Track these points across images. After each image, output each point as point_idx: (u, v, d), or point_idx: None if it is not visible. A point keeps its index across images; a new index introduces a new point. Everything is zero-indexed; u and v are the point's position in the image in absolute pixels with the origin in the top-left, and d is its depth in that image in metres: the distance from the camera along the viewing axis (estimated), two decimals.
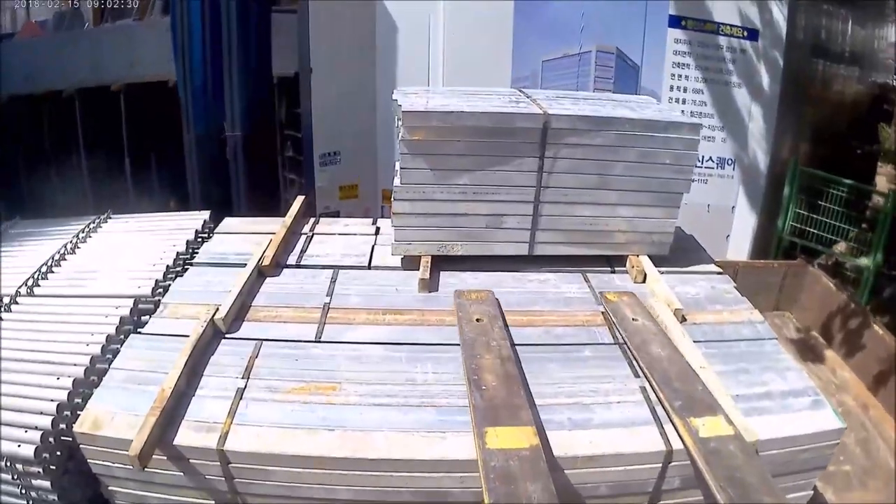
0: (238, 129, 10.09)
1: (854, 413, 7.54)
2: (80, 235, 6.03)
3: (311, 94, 9.48)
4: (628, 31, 9.42)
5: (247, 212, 9.93)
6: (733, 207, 10.07)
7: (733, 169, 9.87)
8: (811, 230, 10.29)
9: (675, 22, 9.37)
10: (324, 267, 5.33)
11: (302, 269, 5.31)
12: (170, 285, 5.08)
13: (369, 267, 5.38)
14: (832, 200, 10.09)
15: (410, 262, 5.31)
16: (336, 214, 9.70)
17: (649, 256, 5.37)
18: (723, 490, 3.12)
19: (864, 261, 9.92)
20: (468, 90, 5.73)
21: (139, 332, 4.42)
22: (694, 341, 4.29)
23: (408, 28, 9.39)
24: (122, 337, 4.46)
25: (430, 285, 5.03)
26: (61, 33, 13.19)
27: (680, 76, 9.57)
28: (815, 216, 10.22)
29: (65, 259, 5.69)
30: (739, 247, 10.22)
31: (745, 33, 9.47)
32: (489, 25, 9.36)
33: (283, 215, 6.02)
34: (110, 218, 6.47)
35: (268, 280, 5.11)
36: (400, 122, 4.97)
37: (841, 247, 10.42)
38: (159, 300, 4.85)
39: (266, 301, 4.82)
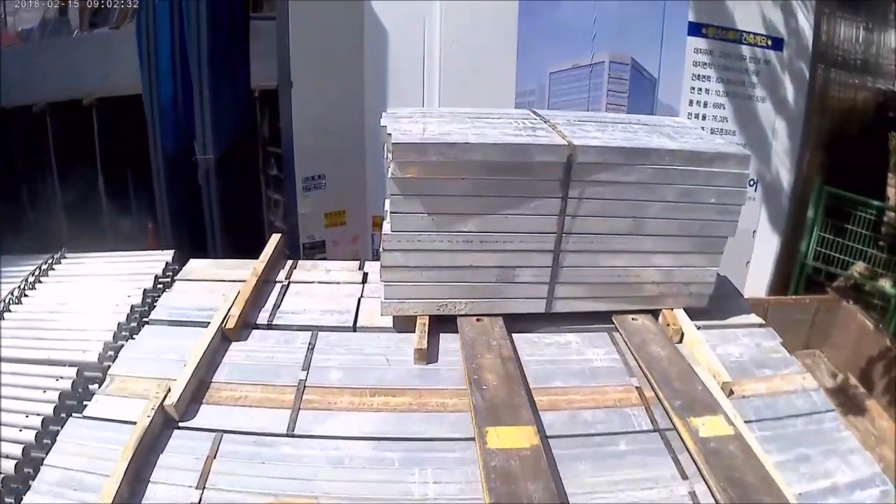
0: (210, 152, 9.07)
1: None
2: (30, 280, 5.47)
3: (291, 111, 8.57)
4: (644, 40, 8.63)
5: (221, 245, 9.41)
6: (754, 232, 9.40)
7: (755, 190, 9.20)
8: (837, 255, 9.61)
9: (695, 30, 8.66)
10: (300, 328, 4.56)
11: (274, 331, 4.56)
12: (121, 348, 4.43)
13: (355, 328, 4.60)
14: (860, 224, 9.48)
15: (404, 322, 4.56)
16: (322, 244, 9.17)
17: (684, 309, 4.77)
18: (723, 490, 3.13)
19: (885, 284, 9.26)
20: (471, 112, 5.03)
21: (81, 415, 3.83)
22: (745, 421, 3.75)
23: (400, 36, 8.54)
24: (62, 416, 3.91)
25: (429, 355, 4.25)
26: (32, 43, 12.25)
27: (700, 89, 8.83)
28: (841, 240, 9.57)
29: (9, 310, 5.13)
30: (760, 274, 9.57)
31: (770, 42, 8.79)
32: (491, 34, 8.58)
33: (266, 242, 5.43)
34: (64, 258, 5.89)
35: (233, 346, 4.38)
36: (390, 155, 4.22)
37: (859, 268, 9.73)
38: (108, 367, 4.22)
39: (229, 376, 4.12)
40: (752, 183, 9.05)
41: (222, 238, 9.52)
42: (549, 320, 4.68)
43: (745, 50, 8.86)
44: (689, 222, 4.48)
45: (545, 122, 4.86)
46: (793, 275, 9.99)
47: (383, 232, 4.42)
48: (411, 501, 3.28)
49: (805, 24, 8.84)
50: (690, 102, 8.85)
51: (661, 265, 4.60)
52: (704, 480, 3.29)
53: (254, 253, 5.48)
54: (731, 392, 4.05)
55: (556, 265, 4.50)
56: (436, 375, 4.16)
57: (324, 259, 8.90)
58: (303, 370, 4.15)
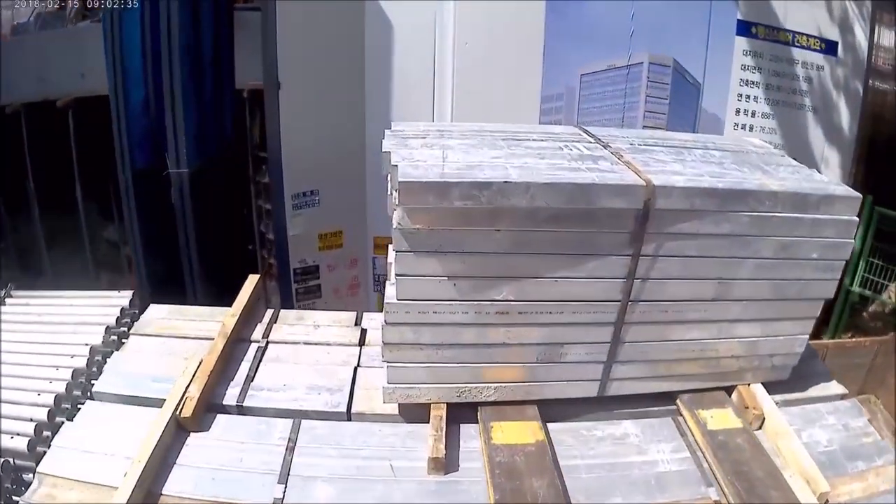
0: (184, 165, 7.71)
1: None
2: None
3: (279, 117, 7.57)
4: (688, 40, 7.94)
5: (199, 274, 8.21)
6: None
7: None
8: (885, 282, 8.88)
9: (743, 29, 7.97)
10: (278, 413, 3.59)
11: (245, 417, 3.60)
12: (58, 428, 3.60)
13: (349, 415, 3.65)
14: None
15: (413, 409, 3.63)
16: (315, 270, 8.18)
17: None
18: (731, 484, 3.10)
19: None
20: (505, 132, 3.99)
21: None
22: None
23: (407, 30, 7.44)
24: None
25: (447, 463, 3.26)
26: (10, 39, 11.40)
27: (748, 97, 8.14)
28: (894, 267, 8.75)
29: None
30: None
31: (823, 46, 8.16)
32: (513, 29, 7.64)
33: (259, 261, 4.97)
34: (9, 296, 5.00)
35: (192, 438, 3.42)
36: (395, 196, 3.21)
37: (894, 290, 9.16)
38: (41, 457, 3.43)
39: (185, 486, 3.17)
40: None
41: (201, 268, 8.18)
42: (597, 401, 3.80)
43: (797, 53, 8.21)
44: (785, 283, 3.61)
45: (604, 146, 3.86)
46: (837, 301, 9.11)
47: (386, 300, 3.40)
48: None
49: (860, 27, 8.24)
50: (737, 111, 8.15)
51: (745, 336, 3.74)
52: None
53: (239, 281, 4.71)
54: (827, 502, 3.36)
55: (617, 340, 3.57)
56: (456, 491, 3.20)
57: (318, 285, 8.17)
58: (279, 483, 3.16)
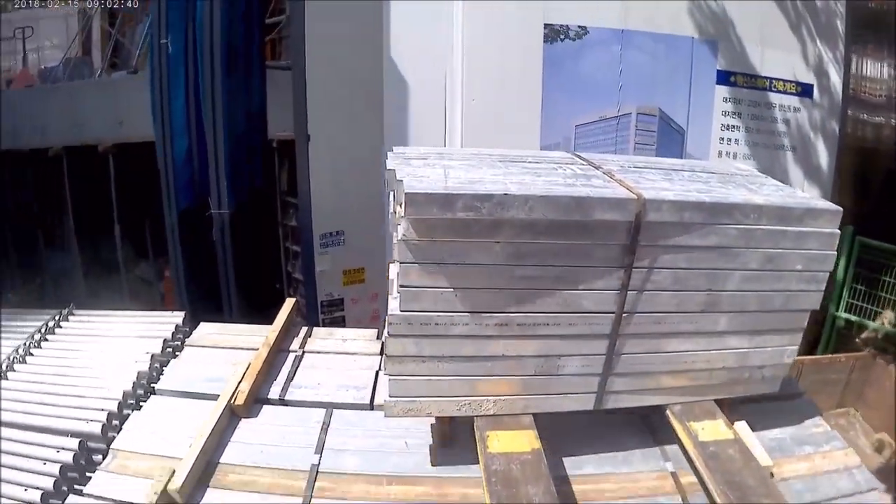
0: (225, 206, 8.43)
1: None
2: (36, 337, 5.10)
3: (309, 166, 7.82)
4: (672, 90, 8.12)
5: (237, 304, 8.81)
6: None
7: None
8: (868, 307, 8.86)
9: (723, 78, 8.19)
10: (314, 405, 4.06)
11: (287, 407, 4.08)
12: (126, 418, 4.06)
13: (371, 406, 4.06)
14: (894, 275, 8.73)
15: None
16: (340, 302, 8.38)
17: None
18: (723, 493, 3.05)
19: None
20: (502, 155, 4.03)
21: (81, 493, 3.52)
22: None
23: (421, 87, 7.63)
24: (64, 490, 3.61)
25: (451, 433, 3.61)
26: (50, 85, 12.03)
27: (729, 140, 8.33)
28: (874, 291, 8.83)
29: (13, 370, 4.77)
30: None
31: (799, 89, 8.38)
32: (515, 86, 7.86)
33: (285, 296, 4.96)
34: (72, 315, 5.44)
35: (243, 423, 3.91)
36: (400, 210, 3.16)
37: (888, 316, 8.78)
38: (112, 439, 3.88)
39: (238, 457, 3.64)
40: None
41: (238, 297, 8.91)
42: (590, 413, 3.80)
43: (774, 97, 8.40)
44: (772, 294, 3.58)
45: (596, 167, 3.84)
46: (824, 327, 9.23)
47: (389, 312, 3.34)
48: None
49: (835, 69, 8.42)
50: (719, 153, 8.35)
51: (735, 348, 3.68)
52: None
53: (271, 311, 5.08)
54: (772, 475, 3.56)
55: (612, 353, 3.50)
56: (459, 460, 3.56)
57: (342, 316, 8.37)
58: (316, 453, 3.65)
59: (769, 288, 3.55)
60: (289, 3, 9.42)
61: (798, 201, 3.59)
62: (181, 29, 8.27)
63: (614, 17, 7.78)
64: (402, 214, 3.09)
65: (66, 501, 3.49)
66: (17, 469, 3.79)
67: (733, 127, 8.36)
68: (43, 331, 5.22)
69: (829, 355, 8.62)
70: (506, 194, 3.11)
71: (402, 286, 3.21)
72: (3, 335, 5.22)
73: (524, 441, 3.22)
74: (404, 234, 3.13)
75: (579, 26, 7.68)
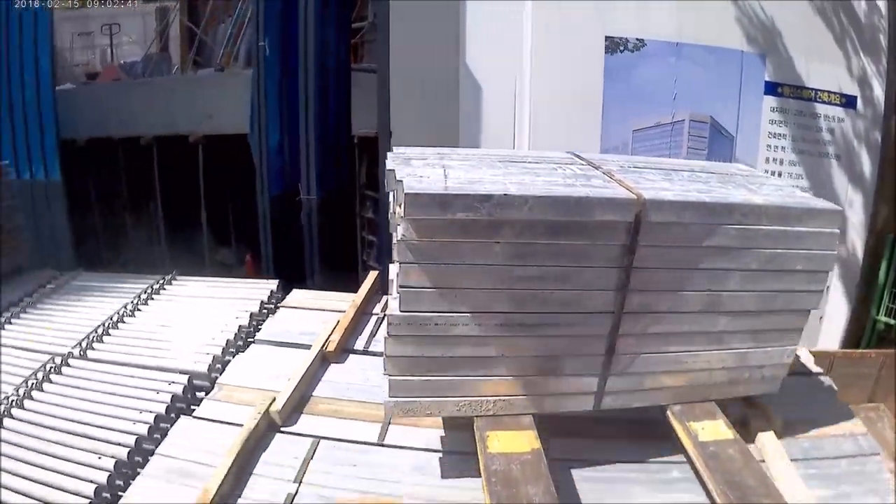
0: (313, 193, 9.04)
1: None
2: (142, 296, 5.62)
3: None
4: (722, 99, 8.38)
5: (320, 279, 9.18)
6: (828, 287, 8.41)
7: None
8: None
9: (771, 88, 8.36)
10: None
11: (370, 356, 4.48)
12: (228, 362, 4.55)
13: None
14: None
15: None
16: None
17: None
18: (723, 493, 2.93)
19: None
20: (502, 155, 3.90)
21: (190, 415, 3.97)
22: (792, 459, 3.52)
23: (493, 91, 8.14)
24: (172, 416, 4.08)
25: None
26: (140, 80, 12.60)
27: (776, 147, 8.51)
28: None
29: (123, 321, 5.29)
30: (833, 329, 8.99)
31: (843, 100, 8.48)
32: (578, 92, 8.18)
33: (360, 280, 5.35)
34: (175, 280, 5.97)
35: (332, 366, 4.32)
36: (399, 210, 2.98)
37: None
38: (216, 378, 4.37)
39: (328, 391, 4.07)
40: None
41: (321, 273, 9.31)
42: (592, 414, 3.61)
43: (819, 108, 8.49)
44: (772, 295, 3.40)
45: (595, 167, 3.65)
46: (864, 330, 9.11)
47: (389, 312, 3.18)
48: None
49: (878, 82, 8.49)
50: (766, 160, 8.50)
51: (735, 347, 3.49)
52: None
53: (349, 287, 5.41)
54: (783, 432, 3.70)
55: (611, 353, 3.32)
56: None
57: None
58: None
59: (769, 288, 3.36)
60: (372, 4, 10.20)
61: (798, 201, 3.41)
62: (277, 34, 8.85)
63: (670, 31, 8.04)
64: (402, 215, 2.92)
65: (177, 423, 3.84)
66: (131, 398, 4.26)
67: (780, 135, 8.53)
68: (149, 291, 5.70)
69: (860, 350, 8.65)
70: (505, 195, 2.96)
71: (402, 286, 3.04)
72: (109, 296, 5.80)
73: (524, 441, 3.11)
74: (404, 235, 2.96)
75: (637, 39, 8.01)
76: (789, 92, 8.44)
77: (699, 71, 8.20)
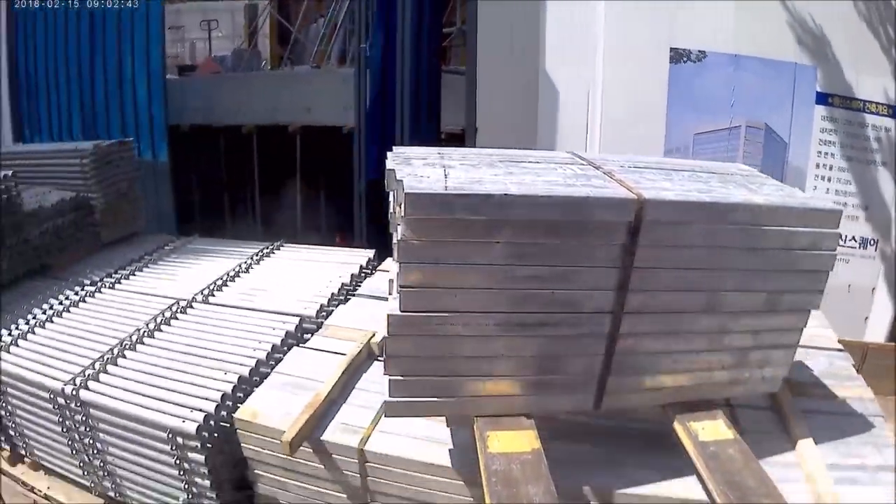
0: None
1: None
2: (254, 257, 5.99)
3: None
4: (776, 106, 8.96)
5: None
6: (873, 289, 9.28)
7: (875, 249, 9.18)
8: None
9: (822, 99, 8.86)
10: None
11: None
12: (332, 311, 4.85)
13: None
14: None
15: None
16: None
17: None
18: (723, 493, 2.81)
19: None
20: (503, 155, 3.76)
21: (301, 346, 4.36)
22: (802, 410, 3.57)
23: (569, 98, 8.98)
24: (285, 348, 4.45)
25: None
26: (241, 73, 13.21)
27: (826, 153, 9.00)
28: None
29: (238, 276, 5.67)
30: (878, 330, 9.33)
31: (890, 111, 8.90)
32: (645, 99, 8.88)
33: None
34: (283, 246, 6.34)
35: None
36: (399, 210, 2.85)
37: None
38: (322, 322, 4.70)
39: None
40: (872, 242, 9.08)
41: None
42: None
43: (868, 118, 8.84)
44: (772, 295, 3.29)
45: (596, 167, 3.53)
46: None
47: (389, 312, 3.09)
48: None
49: None
50: (817, 165, 8.94)
51: (736, 347, 3.36)
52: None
53: None
54: (795, 390, 3.84)
55: (611, 352, 3.23)
56: None
57: None
58: None
59: (769, 288, 3.20)
60: (461, 12, 10.79)
61: (798, 201, 3.22)
62: (377, 36, 9.59)
63: (729, 44, 8.46)
64: (402, 215, 2.81)
65: (290, 352, 4.30)
66: (252, 332, 4.71)
67: (829, 142, 8.87)
68: (260, 254, 6.10)
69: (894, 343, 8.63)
70: (506, 194, 2.81)
71: (401, 286, 2.94)
72: (223, 257, 6.32)
73: (524, 441, 3.03)
74: (404, 235, 2.85)
75: (699, 50, 8.49)
76: (839, 102, 8.81)
77: (755, 81, 8.64)
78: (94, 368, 4.37)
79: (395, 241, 3.01)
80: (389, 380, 3.07)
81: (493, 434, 3.04)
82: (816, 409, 3.71)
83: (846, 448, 3.41)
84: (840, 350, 4.31)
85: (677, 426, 3.19)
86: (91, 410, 4.20)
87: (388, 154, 3.58)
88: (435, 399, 3.17)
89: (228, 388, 4.06)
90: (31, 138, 9.80)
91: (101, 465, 4.38)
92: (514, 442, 3.05)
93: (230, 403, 3.97)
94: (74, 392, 4.21)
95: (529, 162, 3.53)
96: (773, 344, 3.38)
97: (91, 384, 4.26)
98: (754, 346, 3.34)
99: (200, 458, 3.87)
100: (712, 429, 3.18)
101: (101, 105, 9.87)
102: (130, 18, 9.64)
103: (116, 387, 4.22)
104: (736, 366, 3.37)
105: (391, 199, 3.34)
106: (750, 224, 3.07)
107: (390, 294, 3.18)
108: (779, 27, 8.34)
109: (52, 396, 4.32)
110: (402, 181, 2.85)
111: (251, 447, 3.74)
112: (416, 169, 3.14)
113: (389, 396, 3.10)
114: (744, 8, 8.23)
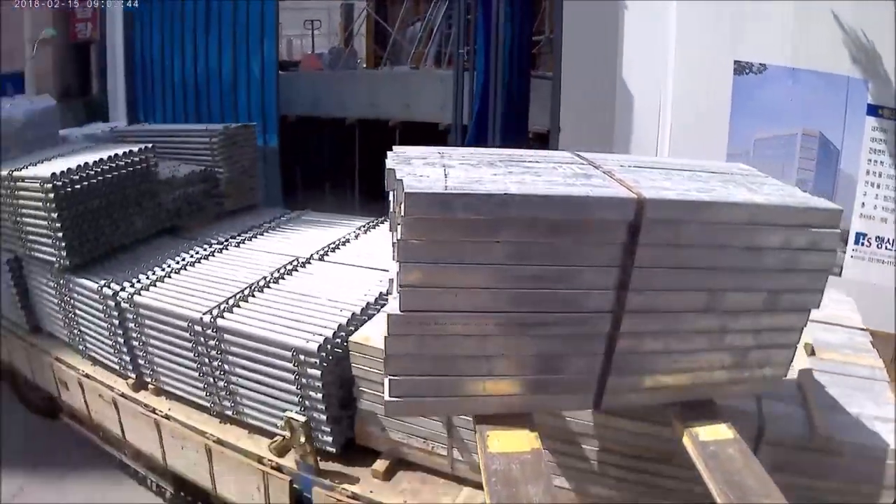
0: None
1: None
2: (361, 229, 6.49)
3: (559, 150, 7.82)
4: (831, 117, 8.97)
5: None
6: None
7: None
8: None
9: (872, 111, 8.81)
10: None
11: None
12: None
13: None
14: None
15: None
16: None
17: None
18: (723, 493, 2.75)
19: None
20: (503, 155, 3.69)
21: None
22: (814, 369, 3.76)
23: (642, 103, 9.18)
24: (388, 296, 4.41)
25: None
26: (344, 71, 13.73)
27: (876, 161, 8.94)
28: None
29: (348, 242, 6.14)
30: None
31: None
32: (710, 108, 9.00)
33: None
34: (382, 223, 6.75)
35: None
36: (399, 209, 2.81)
37: None
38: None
39: None
40: None
41: None
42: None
43: None
44: (772, 294, 3.19)
45: (596, 167, 3.45)
46: None
47: (389, 312, 3.04)
48: None
49: None
50: (867, 172, 8.94)
51: (736, 346, 3.27)
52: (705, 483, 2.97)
53: None
54: (813, 352, 4.07)
55: (611, 352, 3.15)
56: None
57: None
58: None
59: (769, 287, 3.12)
60: (549, 22, 11.08)
61: (798, 201, 3.13)
62: (474, 43, 10.01)
63: (787, 58, 8.71)
64: (402, 214, 2.76)
65: (384, 307, 4.21)
66: (362, 283, 5.14)
67: (880, 151, 8.96)
68: (366, 227, 6.67)
69: None
70: (506, 194, 2.75)
71: (402, 286, 2.88)
72: (334, 227, 6.78)
73: (524, 441, 2.97)
74: (402, 234, 2.80)
75: (760, 63, 8.75)
76: (888, 114, 8.89)
77: (811, 92, 8.76)
78: (227, 304, 4.90)
79: (394, 240, 3.03)
80: (389, 379, 3.03)
81: (492, 434, 3.00)
82: (829, 370, 3.98)
83: (847, 401, 3.63)
84: (862, 329, 4.49)
85: (677, 426, 3.19)
86: (225, 336, 4.74)
87: (388, 154, 3.57)
88: (435, 398, 3.13)
89: (343, 320, 4.55)
90: (146, 121, 10.46)
91: (225, 385, 4.90)
92: (513, 442, 2.99)
93: (343, 334, 4.44)
94: (212, 320, 4.74)
95: (529, 161, 3.45)
96: (773, 343, 3.30)
97: (226, 315, 4.80)
98: (754, 346, 3.27)
99: (317, 373, 4.35)
100: (712, 429, 3.14)
101: (215, 94, 10.42)
102: (246, 14, 10.06)
103: (248, 317, 4.75)
104: (736, 365, 3.30)
105: (391, 198, 3.35)
106: (750, 223, 3.01)
107: (390, 294, 3.17)
108: (833, 43, 8.46)
109: (189, 325, 4.87)
110: (401, 181, 2.80)
111: (360, 367, 4.15)
112: (415, 168, 3.09)
113: (389, 396, 3.05)
114: (802, 25, 8.45)
